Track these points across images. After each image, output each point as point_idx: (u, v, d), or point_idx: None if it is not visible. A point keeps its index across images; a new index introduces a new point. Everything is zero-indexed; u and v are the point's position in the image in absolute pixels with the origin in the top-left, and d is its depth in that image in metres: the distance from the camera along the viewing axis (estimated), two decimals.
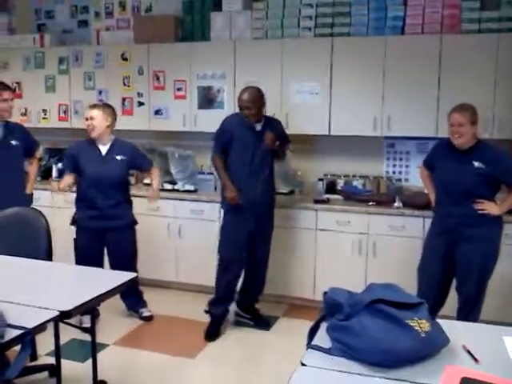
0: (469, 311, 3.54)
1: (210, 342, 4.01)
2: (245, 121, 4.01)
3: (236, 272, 4.15)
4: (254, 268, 4.25)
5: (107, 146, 4.14)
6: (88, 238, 4.10)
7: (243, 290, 4.35)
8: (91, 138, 4.10)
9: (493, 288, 3.79)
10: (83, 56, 5.40)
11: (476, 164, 3.41)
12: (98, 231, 4.10)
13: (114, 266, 4.16)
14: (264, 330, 4.26)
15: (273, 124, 4.15)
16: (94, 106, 4.17)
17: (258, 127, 4.05)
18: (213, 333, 4.11)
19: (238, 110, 4.09)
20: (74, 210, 4.22)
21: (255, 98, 3.98)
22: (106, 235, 4.13)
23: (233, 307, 4.38)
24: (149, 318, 4.42)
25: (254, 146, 4.01)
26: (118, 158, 4.13)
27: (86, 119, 4.09)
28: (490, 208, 3.45)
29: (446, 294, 3.67)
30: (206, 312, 4.23)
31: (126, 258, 4.20)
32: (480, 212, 3.44)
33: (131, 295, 4.34)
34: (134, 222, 4.28)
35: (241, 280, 4.28)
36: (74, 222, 4.19)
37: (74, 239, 4.18)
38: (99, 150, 4.13)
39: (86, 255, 4.02)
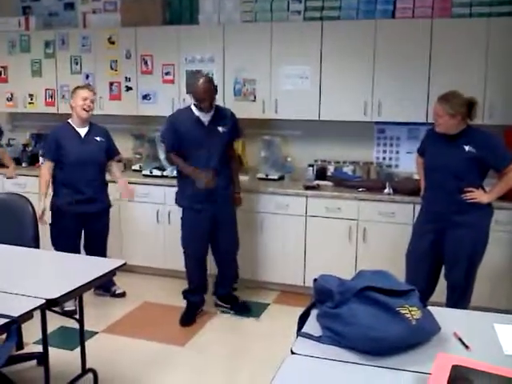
0: (458, 298, 3.54)
1: (184, 327, 4.05)
2: (193, 116, 3.92)
3: (201, 261, 4.17)
4: (224, 256, 4.25)
5: (86, 129, 4.18)
6: (69, 224, 4.13)
7: (218, 280, 4.36)
8: (73, 120, 4.15)
9: (484, 274, 3.81)
10: (69, 39, 5.31)
11: (467, 148, 3.37)
12: (80, 216, 4.14)
13: (90, 249, 4.28)
14: (251, 318, 4.23)
15: (223, 116, 4.03)
16: (88, 87, 4.25)
17: (207, 118, 3.93)
18: (188, 319, 4.13)
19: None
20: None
21: (210, 89, 3.87)
22: (87, 219, 4.19)
23: (212, 298, 4.41)
24: (122, 295, 4.55)
25: (206, 141, 3.91)
26: (98, 139, 4.21)
27: (85, 99, 4.08)
28: (480, 196, 3.43)
29: (436, 281, 3.66)
30: (184, 298, 4.26)
31: (102, 241, 4.38)
32: (469, 201, 3.41)
33: None
34: (110, 205, 4.39)
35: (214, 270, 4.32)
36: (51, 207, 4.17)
37: (50, 224, 4.16)
38: (78, 133, 4.15)
39: (66, 241, 4.08)
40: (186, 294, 4.25)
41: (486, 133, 3.47)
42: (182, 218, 4.13)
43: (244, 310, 4.33)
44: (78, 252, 4.14)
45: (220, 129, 3.98)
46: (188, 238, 4.10)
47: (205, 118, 3.93)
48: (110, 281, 4.48)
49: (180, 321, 4.11)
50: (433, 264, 3.62)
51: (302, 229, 4.54)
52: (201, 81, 3.85)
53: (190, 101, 4.89)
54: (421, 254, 3.62)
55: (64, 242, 4.05)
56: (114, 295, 4.53)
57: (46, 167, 4.14)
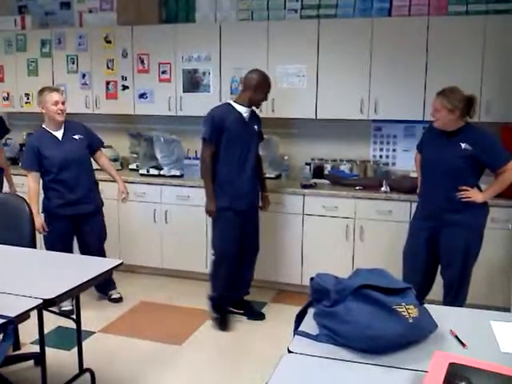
0: (453, 297, 3.53)
1: (221, 332, 3.98)
2: (235, 111, 3.87)
3: (235, 264, 3.99)
4: (247, 257, 4.11)
5: (61, 131, 4.06)
6: (60, 227, 4.06)
7: (233, 285, 4.10)
8: (48, 124, 4.03)
9: (481, 272, 3.82)
10: (66, 39, 5.30)
11: (463, 145, 3.36)
12: (72, 218, 4.07)
13: (87, 251, 4.13)
14: (254, 320, 4.18)
15: (257, 117, 4.08)
16: (56, 89, 4.10)
17: (247, 115, 3.92)
18: (224, 323, 4.02)
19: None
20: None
21: None
22: (80, 221, 4.12)
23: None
24: (118, 300, 4.44)
25: (246, 137, 3.90)
26: (77, 137, 4.09)
27: (56, 103, 3.95)
28: (474, 196, 3.41)
29: (432, 279, 3.66)
30: (214, 306, 4.08)
31: (99, 242, 4.26)
32: (464, 200, 3.40)
33: None
34: (102, 204, 4.30)
35: None
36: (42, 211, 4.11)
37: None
38: (55, 136, 4.04)
39: (58, 244, 3.96)
40: (217, 302, 4.05)
41: (484, 131, 3.45)
42: (217, 220, 3.96)
43: (257, 315, 4.22)
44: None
45: (255, 127, 3.99)
46: (226, 240, 3.92)
47: (245, 114, 3.91)
48: (111, 284, 4.44)
49: (221, 328, 3.99)
50: (429, 261, 3.61)
51: (299, 227, 4.54)
52: (265, 76, 3.91)
53: (187, 99, 4.93)
54: (416, 251, 3.61)
55: (57, 245, 3.92)
56: (110, 299, 4.45)
57: (31, 179, 4.00)
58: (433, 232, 3.53)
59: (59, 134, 4.05)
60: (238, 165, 3.88)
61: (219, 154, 3.86)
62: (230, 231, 3.91)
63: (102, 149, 4.41)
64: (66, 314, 3.28)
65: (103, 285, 4.39)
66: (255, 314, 4.24)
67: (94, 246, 4.20)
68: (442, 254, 3.55)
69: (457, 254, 3.46)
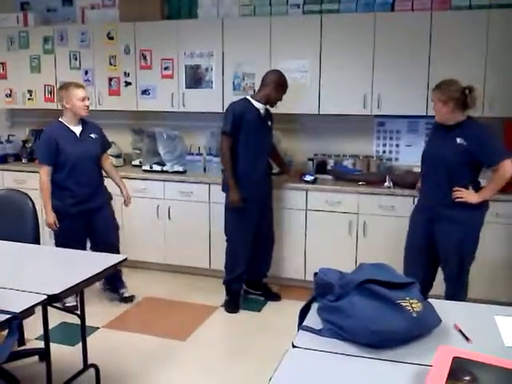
0: (453, 291, 3.52)
1: (230, 313, 4.22)
2: (253, 107, 4.06)
3: (249, 248, 4.23)
4: (266, 240, 4.38)
5: (80, 127, 4.03)
6: (73, 224, 3.99)
7: (252, 267, 4.37)
8: (67, 119, 3.98)
9: (484, 267, 3.82)
10: (68, 35, 5.30)
11: (458, 140, 3.31)
12: (84, 214, 4.02)
13: (102, 246, 3.96)
14: (252, 311, 4.25)
15: (271, 115, 4.27)
16: (82, 85, 4.05)
17: (263, 111, 4.12)
18: (236, 306, 4.27)
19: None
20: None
21: None
22: (89, 216, 4.06)
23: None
24: (130, 299, 4.39)
25: (262, 132, 4.13)
26: (93, 136, 4.07)
27: (83, 99, 3.93)
28: (468, 196, 3.35)
29: (433, 274, 3.64)
30: (227, 287, 4.35)
31: (114, 234, 4.24)
32: (458, 200, 3.35)
33: (111, 275, 4.22)
34: (111, 197, 4.28)
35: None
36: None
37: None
38: (74, 132, 4.00)
39: (71, 241, 3.78)
40: (229, 284, 4.31)
41: (482, 126, 3.38)
42: (231, 210, 4.14)
43: (274, 296, 4.48)
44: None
45: (269, 123, 4.22)
46: (239, 226, 4.15)
47: (262, 111, 4.11)
48: (120, 280, 4.40)
49: (227, 309, 4.25)
50: (429, 256, 3.58)
51: (302, 223, 4.54)
52: (285, 77, 4.10)
53: (190, 95, 4.93)
54: (416, 246, 3.61)
55: (70, 243, 3.63)
56: (122, 299, 4.37)
57: (45, 174, 3.91)
58: (429, 225, 3.50)
59: (77, 131, 4.00)
60: (254, 158, 4.09)
61: (237, 148, 4.06)
62: (243, 221, 4.14)
63: None
64: (70, 310, 3.28)
65: (113, 284, 4.39)
66: (272, 295, 4.49)
67: (112, 238, 4.17)
68: (439, 249, 3.53)
69: (453, 250, 3.44)
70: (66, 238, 3.88)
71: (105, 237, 4.14)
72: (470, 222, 3.43)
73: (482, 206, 3.44)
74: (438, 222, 3.46)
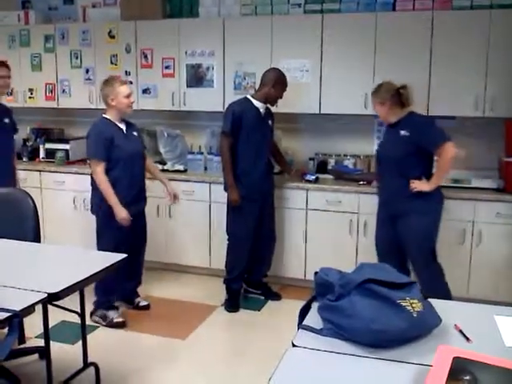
0: (429, 281, 3.52)
1: (230, 313, 4.23)
2: (254, 107, 4.08)
3: (250, 248, 4.24)
4: (267, 241, 4.39)
5: (124, 124, 3.92)
6: (121, 228, 3.76)
7: (253, 266, 4.40)
8: (113, 115, 3.84)
9: (485, 267, 3.82)
10: (69, 34, 5.30)
11: (402, 133, 3.50)
12: (135, 216, 3.86)
13: (133, 251, 3.73)
14: (252, 311, 4.26)
15: (271, 114, 4.29)
16: (126, 82, 3.96)
17: (263, 111, 4.14)
18: (236, 305, 4.28)
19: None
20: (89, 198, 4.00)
21: None
22: (133, 219, 3.83)
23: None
24: (147, 307, 4.24)
25: (262, 131, 4.14)
26: (135, 134, 3.99)
27: (129, 96, 3.82)
28: (420, 186, 3.49)
29: (406, 269, 3.69)
30: (227, 286, 4.35)
31: (145, 241, 4.19)
32: (414, 191, 3.49)
33: (133, 280, 4.20)
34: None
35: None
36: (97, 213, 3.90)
37: (98, 233, 3.88)
38: (121, 128, 3.88)
39: (120, 246, 3.47)
40: (229, 283, 4.32)
41: (422, 116, 3.65)
42: (232, 209, 4.14)
43: (274, 295, 4.48)
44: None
45: (269, 122, 4.24)
46: (240, 225, 4.17)
47: (262, 110, 4.13)
48: (135, 292, 4.26)
49: (227, 307, 4.26)
50: (397, 252, 3.67)
51: (302, 222, 4.54)
52: (284, 75, 4.12)
53: (191, 94, 4.93)
54: (382, 242, 3.76)
55: (120, 247, 3.39)
56: (138, 307, 4.20)
57: (101, 170, 3.71)
58: (389, 221, 3.65)
59: (123, 127, 3.90)
60: (254, 157, 4.12)
61: (237, 147, 4.08)
62: (244, 219, 4.15)
63: None
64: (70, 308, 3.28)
65: (131, 289, 4.23)
66: (272, 294, 4.49)
67: (141, 245, 4.13)
68: (402, 243, 3.62)
69: (413, 243, 3.56)
70: (113, 241, 3.68)
71: (137, 244, 4.06)
72: (427, 212, 3.55)
73: (438, 195, 3.59)
74: (399, 218, 3.59)
